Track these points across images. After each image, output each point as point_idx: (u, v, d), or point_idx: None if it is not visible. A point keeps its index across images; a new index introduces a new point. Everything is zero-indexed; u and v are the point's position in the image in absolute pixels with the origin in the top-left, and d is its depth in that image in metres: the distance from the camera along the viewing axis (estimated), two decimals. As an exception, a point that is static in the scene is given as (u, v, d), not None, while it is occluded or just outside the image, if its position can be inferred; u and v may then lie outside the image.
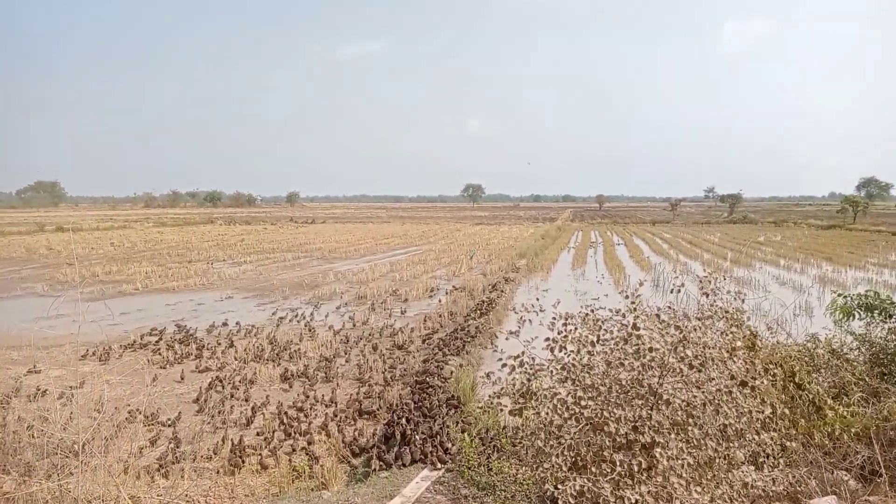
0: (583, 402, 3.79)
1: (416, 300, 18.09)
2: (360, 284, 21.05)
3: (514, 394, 4.41)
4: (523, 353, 4.39)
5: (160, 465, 6.51)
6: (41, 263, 28.39)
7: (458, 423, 7.51)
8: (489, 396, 8.20)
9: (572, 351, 4.25)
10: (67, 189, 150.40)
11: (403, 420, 7.84)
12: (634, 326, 4.14)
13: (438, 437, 7.26)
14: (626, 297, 4.44)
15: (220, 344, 12.37)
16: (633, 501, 3.39)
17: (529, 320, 4.43)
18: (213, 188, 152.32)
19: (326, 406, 8.74)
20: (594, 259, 30.18)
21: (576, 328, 4.35)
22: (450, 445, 6.99)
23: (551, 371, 4.24)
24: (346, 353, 11.70)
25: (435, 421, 7.74)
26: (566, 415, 3.85)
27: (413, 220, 76.69)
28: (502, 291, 18.39)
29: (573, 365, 4.16)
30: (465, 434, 6.44)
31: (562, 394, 3.96)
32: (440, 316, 15.12)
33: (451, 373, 9.98)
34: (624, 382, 3.87)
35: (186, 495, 5.11)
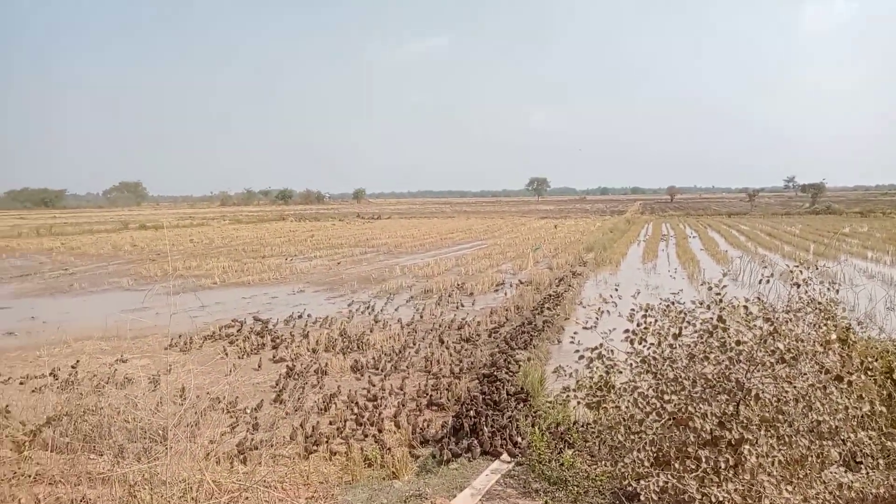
0: (665, 397, 3.65)
1: (482, 294, 18.06)
2: (426, 278, 21.20)
3: (591, 387, 4.30)
4: (601, 345, 4.27)
5: (239, 452, 6.75)
6: (126, 259, 30.07)
7: (527, 416, 7.44)
8: (562, 389, 8.09)
9: (652, 344, 4.10)
10: (149, 189, 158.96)
11: (472, 412, 7.84)
12: (720, 318, 3.95)
13: (507, 430, 7.21)
14: (709, 288, 4.25)
15: (293, 335, 12.74)
16: (720, 499, 3.23)
17: (608, 311, 4.30)
18: (284, 186, 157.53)
19: (396, 397, 8.84)
20: (666, 252, 29.24)
21: (655, 320, 4.20)
22: (519, 439, 6.94)
23: (630, 364, 4.10)
24: (414, 346, 11.81)
25: (504, 414, 7.70)
26: (647, 409, 3.72)
27: (477, 215, 76.67)
28: (570, 285, 18.10)
29: (654, 358, 4.01)
30: (536, 427, 6.36)
31: (642, 387, 3.84)
32: (506, 310, 15.04)
33: (519, 366, 9.90)
34: (710, 376, 3.69)
35: (265, 481, 5.28)
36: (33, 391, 9.23)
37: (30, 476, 5.49)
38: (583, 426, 6.90)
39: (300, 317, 14.75)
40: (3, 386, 9.64)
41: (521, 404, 8.13)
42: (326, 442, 7.20)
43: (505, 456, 6.66)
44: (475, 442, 7.03)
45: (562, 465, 5.77)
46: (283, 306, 16.61)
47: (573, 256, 25.99)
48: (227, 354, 11.45)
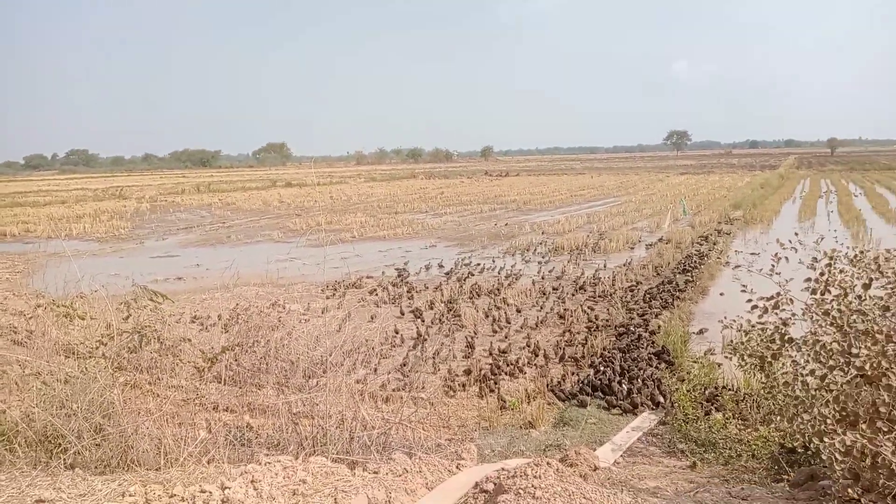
0: (854, 350, 3.29)
1: (617, 252, 17.47)
2: (556, 235, 20.86)
3: (763, 339, 3.98)
4: (779, 294, 3.92)
5: (382, 392, 7.11)
6: (274, 214, 32.41)
7: (670, 376, 7.16)
8: (708, 350, 7.68)
9: (837, 295, 3.70)
10: (292, 149, 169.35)
11: (609, 368, 7.68)
12: (922, 268, 3.48)
13: (648, 388, 6.99)
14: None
15: (427, 287, 13.13)
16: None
17: (786, 258, 3.93)
18: (414, 145, 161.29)
19: (529, 349, 8.84)
20: (826, 211, 26.48)
21: (841, 269, 3.78)
22: (662, 399, 6.70)
23: (812, 315, 3.74)
24: (546, 301, 11.72)
25: (644, 372, 7.46)
26: (831, 363, 3.39)
27: (610, 171, 73.80)
28: (714, 244, 17.01)
29: (839, 310, 3.62)
30: (684, 386, 6.09)
31: (825, 340, 3.49)
32: (643, 268, 14.44)
33: (659, 326, 9.51)
34: None
35: (409, 419, 5.53)
36: (201, 329, 10.26)
37: (209, 403, 6.16)
38: (732, 389, 6.53)
39: (434, 269, 15.15)
40: (178, 323, 10.83)
41: (663, 364, 7.83)
42: (463, 388, 7.39)
43: (646, 414, 6.47)
44: (613, 398, 6.90)
45: (711, 426, 5.48)
46: (416, 260, 17.10)
47: (718, 214, 24.32)
48: (365, 302, 12.05)
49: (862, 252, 3.83)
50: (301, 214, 31.01)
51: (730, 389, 6.59)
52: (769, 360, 3.95)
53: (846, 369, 3.32)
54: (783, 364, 3.91)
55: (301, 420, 4.78)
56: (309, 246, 20.83)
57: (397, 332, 9.72)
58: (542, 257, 16.88)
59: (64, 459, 4.06)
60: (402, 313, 11.16)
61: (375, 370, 8.01)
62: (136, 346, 6.45)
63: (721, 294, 12.07)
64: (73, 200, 44.53)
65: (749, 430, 5.46)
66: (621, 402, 6.81)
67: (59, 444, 4.22)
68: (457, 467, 4.31)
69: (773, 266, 3.98)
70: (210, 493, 3.34)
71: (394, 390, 7.23)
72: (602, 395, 7.04)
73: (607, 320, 10.19)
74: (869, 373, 3.17)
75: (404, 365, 8.22)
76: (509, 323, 10.31)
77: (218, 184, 61.48)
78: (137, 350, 6.63)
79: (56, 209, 37.88)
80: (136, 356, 6.80)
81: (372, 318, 10.82)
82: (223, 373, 7.26)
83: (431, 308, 11.37)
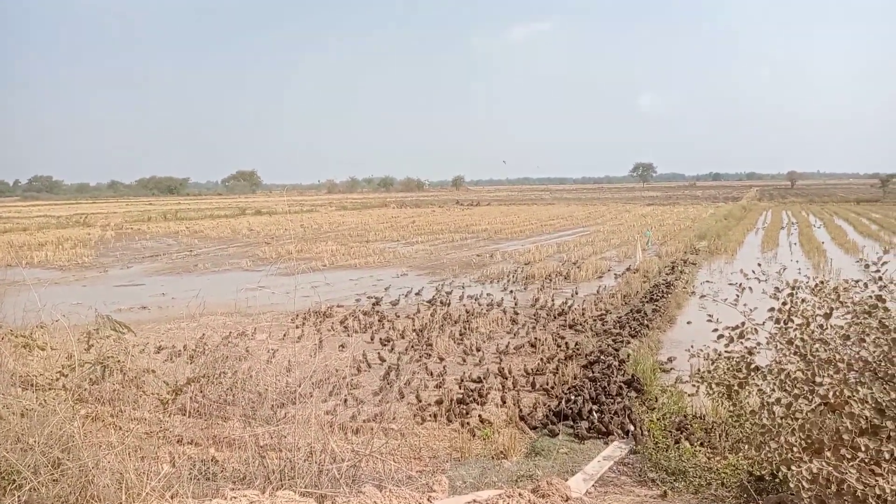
0: (817, 379, 3.36)
1: (586, 281, 17.66)
2: (526, 264, 21.03)
3: (729, 369, 4.04)
4: (744, 323, 4.00)
5: (353, 423, 6.99)
6: (244, 242, 32.02)
7: (640, 405, 7.20)
8: (677, 380, 7.75)
9: (800, 324, 3.79)
10: (263, 177, 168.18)
11: (580, 398, 7.69)
12: (879, 298, 3.59)
13: (619, 417, 7.01)
14: (866, 266, 3.88)
15: (398, 316, 13.05)
16: (885, 493, 2.92)
17: (750, 288, 4.03)
18: (385, 174, 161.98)
19: (503, 378, 8.82)
20: (788, 241, 27.26)
21: (803, 299, 3.88)
22: (632, 428, 6.72)
23: (776, 345, 3.82)
24: (517, 330, 11.75)
25: (614, 401, 7.49)
26: (795, 391, 3.44)
27: (578, 202, 74.99)
28: (681, 273, 17.32)
29: (802, 339, 3.70)
30: (654, 415, 6.12)
31: (790, 369, 3.55)
32: (612, 297, 14.61)
33: (629, 355, 9.59)
34: (870, 360, 3.36)
35: (379, 451, 5.44)
36: (166, 360, 10.01)
37: (173, 436, 5.98)
38: (701, 418, 6.59)
39: (406, 297, 15.10)
40: (142, 354, 10.54)
41: (633, 393, 7.88)
42: (435, 418, 7.31)
43: (617, 443, 6.48)
44: (583, 427, 6.90)
45: (681, 455, 5.50)
46: (388, 288, 17.03)
47: (684, 244, 24.84)
48: (335, 332, 11.91)
49: (822, 282, 3.95)
50: (271, 243, 30.70)
51: (698, 418, 6.65)
52: (736, 388, 4.01)
53: (810, 397, 3.39)
54: (750, 392, 3.98)
55: (268, 453, 4.66)
56: (279, 275, 20.59)
57: (367, 362, 9.61)
58: (514, 286, 16.97)
59: (18, 496, 3.88)
60: (373, 341, 11.07)
61: (345, 401, 7.89)
62: (98, 377, 6.23)
63: (688, 323, 12.26)
64: (35, 228, 43.32)
65: (718, 458, 5.50)
66: (592, 431, 6.82)
67: (14, 481, 4.03)
68: (428, 499, 4.25)
69: (737, 296, 4.07)
70: (173, 530, 3.23)
71: (364, 421, 7.11)
72: (573, 425, 7.04)
73: (578, 349, 10.24)
74: (832, 401, 3.24)
75: (375, 395, 8.12)
76: (481, 351, 10.29)
77: (186, 211, 60.61)
78: (99, 382, 6.41)
79: (17, 236, 36.80)
80: (98, 388, 6.58)
81: (342, 347, 10.70)
82: (188, 405, 7.05)
83: (403, 337, 11.30)
